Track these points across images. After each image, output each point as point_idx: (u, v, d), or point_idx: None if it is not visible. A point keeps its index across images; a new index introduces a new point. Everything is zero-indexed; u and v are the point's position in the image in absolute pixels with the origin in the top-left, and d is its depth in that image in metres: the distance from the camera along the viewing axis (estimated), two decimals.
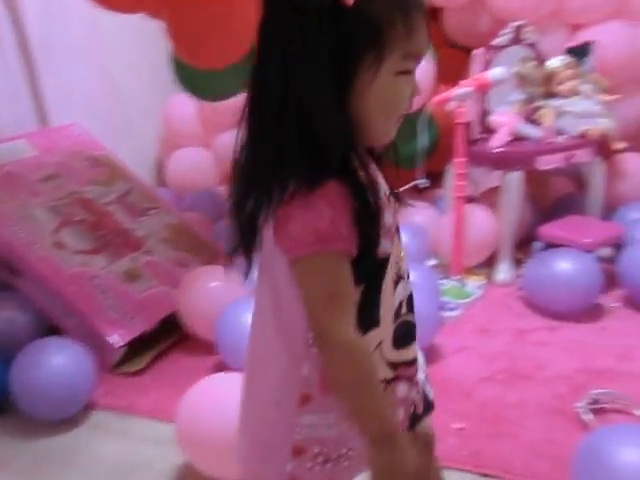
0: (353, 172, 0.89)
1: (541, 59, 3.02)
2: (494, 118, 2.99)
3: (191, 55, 2.38)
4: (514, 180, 2.84)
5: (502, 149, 2.87)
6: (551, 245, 2.73)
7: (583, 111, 2.93)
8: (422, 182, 2.84)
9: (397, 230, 1.00)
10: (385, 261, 0.97)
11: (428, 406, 1.11)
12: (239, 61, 2.33)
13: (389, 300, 0.99)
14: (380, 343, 0.99)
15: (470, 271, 2.88)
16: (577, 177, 3.23)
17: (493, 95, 2.96)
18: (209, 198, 3.53)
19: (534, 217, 3.07)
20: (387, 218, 0.94)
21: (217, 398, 1.67)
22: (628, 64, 3.07)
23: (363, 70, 0.87)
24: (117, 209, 2.92)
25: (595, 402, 1.94)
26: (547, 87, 3.00)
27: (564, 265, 2.53)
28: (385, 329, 0.99)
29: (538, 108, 3.01)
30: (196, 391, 1.72)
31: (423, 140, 2.79)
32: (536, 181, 3.19)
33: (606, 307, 2.58)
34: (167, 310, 2.52)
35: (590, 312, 2.53)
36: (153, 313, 2.53)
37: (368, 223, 0.90)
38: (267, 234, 0.94)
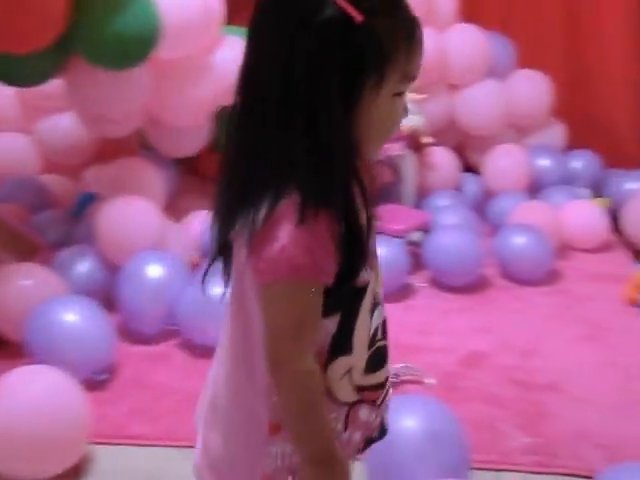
0: (350, 195, 0.86)
1: None
2: None
3: None
4: None
5: None
6: None
7: None
8: None
9: (375, 255, 0.98)
10: (364, 289, 0.94)
11: (383, 431, 1.08)
12: (45, 47, 2.26)
13: (365, 328, 0.97)
14: (350, 369, 0.97)
15: None
16: (394, 168, 3.48)
17: None
18: (28, 188, 3.27)
19: None
20: (370, 244, 0.92)
21: (15, 395, 1.67)
22: (436, 66, 3.35)
23: (365, 90, 0.84)
24: None
25: (394, 376, 2.15)
26: None
27: (379, 250, 2.73)
28: (358, 356, 0.97)
29: None
30: None
31: None
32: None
33: (414, 287, 2.84)
34: None
35: (400, 292, 2.77)
36: None
37: (355, 250, 0.87)
38: (240, 251, 0.90)
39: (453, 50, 3.39)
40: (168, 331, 2.39)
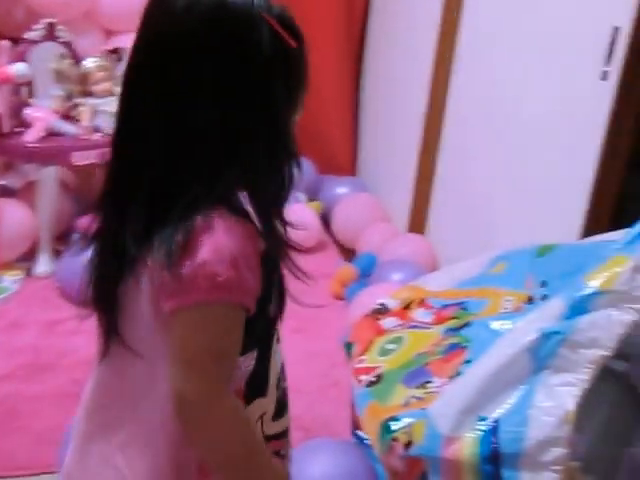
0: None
1: (77, 58, 3.14)
2: (29, 112, 3.01)
3: None
4: (49, 174, 2.92)
5: (36, 144, 2.91)
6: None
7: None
8: None
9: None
10: (274, 321, 0.89)
11: None
12: None
13: (275, 367, 0.91)
14: (263, 414, 0.90)
15: (7, 266, 2.87)
16: None
17: (39, 88, 3.01)
18: None
19: (78, 210, 3.19)
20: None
21: None
22: None
23: (293, 114, 0.86)
24: None
25: None
26: (84, 86, 3.13)
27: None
28: (270, 399, 0.91)
29: (77, 105, 3.13)
30: None
31: None
32: (80, 175, 3.33)
33: None
34: None
35: None
36: None
37: (275, 274, 0.83)
38: (142, 281, 0.80)
39: None
40: None
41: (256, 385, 0.89)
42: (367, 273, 2.89)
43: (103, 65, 3.15)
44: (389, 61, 3.72)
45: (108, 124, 3.09)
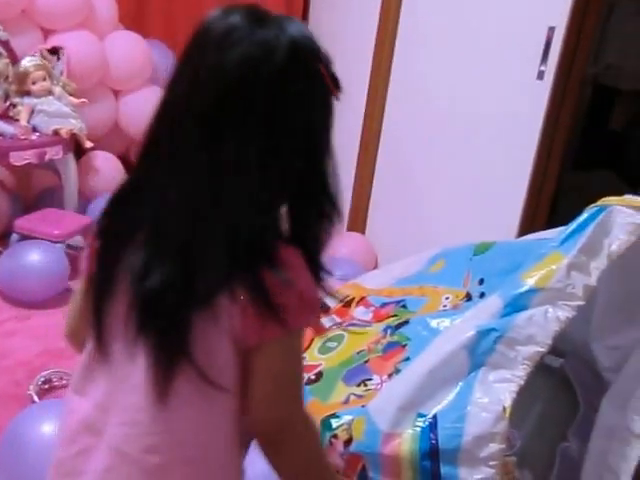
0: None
1: (14, 57, 3.06)
2: None
3: None
4: None
5: None
6: (27, 237, 2.81)
7: (55, 111, 3.07)
8: None
9: None
10: None
11: None
12: None
13: None
14: None
15: None
16: (55, 172, 3.36)
17: None
18: None
19: (16, 210, 3.11)
20: None
21: None
22: (96, 72, 3.32)
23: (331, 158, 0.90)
24: None
25: (46, 382, 2.09)
26: (21, 85, 3.06)
27: (33, 256, 2.65)
28: None
29: (14, 105, 3.06)
30: None
31: None
32: (18, 175, 3.24)
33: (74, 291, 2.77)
34: None
35: (60, 297, 2.66)
36: None
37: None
38: (212, 317, 0.81)
39: (114, 56, 3.37)
40: None
41: None
42: None
43: (41, 64, 3.08)
44: None
45: (45, 124, 3.03)
